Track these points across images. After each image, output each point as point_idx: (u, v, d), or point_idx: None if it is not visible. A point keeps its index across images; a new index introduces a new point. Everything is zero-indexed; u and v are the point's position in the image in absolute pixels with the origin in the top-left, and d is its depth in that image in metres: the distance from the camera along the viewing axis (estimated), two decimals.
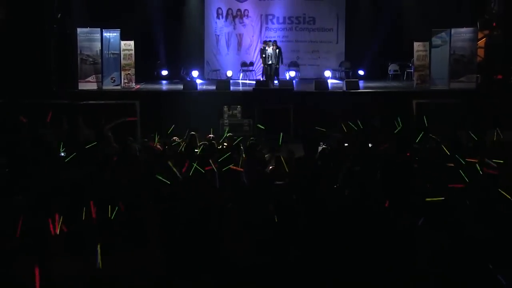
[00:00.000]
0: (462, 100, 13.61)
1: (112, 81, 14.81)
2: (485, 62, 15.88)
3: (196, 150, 8.05)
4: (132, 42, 14.98)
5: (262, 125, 10.90)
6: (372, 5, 17.45)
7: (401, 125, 8.88)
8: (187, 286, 4.27)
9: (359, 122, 9.58)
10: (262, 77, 15.95)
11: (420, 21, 15.97)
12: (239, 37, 17.87)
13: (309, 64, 17.80)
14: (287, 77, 16.08)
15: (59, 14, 15.15)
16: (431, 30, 14.86)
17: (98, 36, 14.75)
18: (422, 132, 8.39)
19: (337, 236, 4.66)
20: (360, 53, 17.07)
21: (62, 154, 8.11)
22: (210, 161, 6.44)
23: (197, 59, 17.34)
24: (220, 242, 4.66)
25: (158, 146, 9.30)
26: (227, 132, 9.61)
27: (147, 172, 6.77)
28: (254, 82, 15.68)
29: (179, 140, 9.28)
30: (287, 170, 6.95)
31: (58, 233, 4.76)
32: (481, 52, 15.91)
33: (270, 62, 15.59)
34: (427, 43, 14.97)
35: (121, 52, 14.84)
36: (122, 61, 14.86)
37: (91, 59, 14.74)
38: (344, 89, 14.78)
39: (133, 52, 14.97)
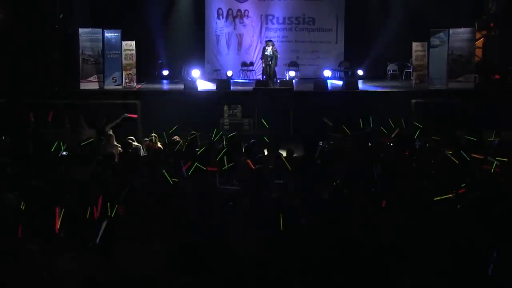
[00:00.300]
0: (460, 99, 13.71)
1: (114, 81, 14.87)
2: (483, 62, 15.99)
3: (197, 149, 8.12)
4: (133, 42, 15.05)
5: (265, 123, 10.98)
6: (372, 6, 17.52)
7: (393, 126, 8.98)
8: (188, 284, 4.30)
9: (359, 122, 9.69)
10: (262, 77, 16.03)
11: (418, 21, 16.03)
12: (239, 37, 17.94)
13: (309, 64, 17.86)
14: (287, 77, 16.16)
15: (61, 15, 15.25)
16: (430, 30, 14.90)
17: (99, 36, 14.79)
18: (418, 130, 8.49)
19: (337, 236, 4.73)
20: (359, 53, 17.15)
21: (64, 153, 8.21)
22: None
23: (197, 59, 17.41)
24: (222, 240, 4.70)
25: (159, 145, 9.41)
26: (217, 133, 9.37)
27: (148, 171, 6.88)
28: (254, 81, 15.78)
29: (179, 140, 9.37)
30: (289, 168, 7.01)
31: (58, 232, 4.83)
32: (479, 52, 16.01)
33: (269, 62, 15.67)
34: (425, 43, 15.01)
35: (123, 52, 14.90)
36: (124, 61, 14.92)
37: (92, 59, 14.79)
38: (343, 89, 14.88)
39: (134, 52, 15.02)
